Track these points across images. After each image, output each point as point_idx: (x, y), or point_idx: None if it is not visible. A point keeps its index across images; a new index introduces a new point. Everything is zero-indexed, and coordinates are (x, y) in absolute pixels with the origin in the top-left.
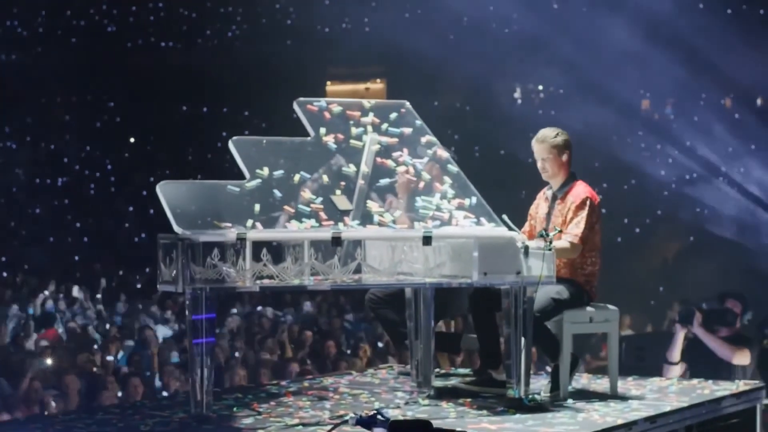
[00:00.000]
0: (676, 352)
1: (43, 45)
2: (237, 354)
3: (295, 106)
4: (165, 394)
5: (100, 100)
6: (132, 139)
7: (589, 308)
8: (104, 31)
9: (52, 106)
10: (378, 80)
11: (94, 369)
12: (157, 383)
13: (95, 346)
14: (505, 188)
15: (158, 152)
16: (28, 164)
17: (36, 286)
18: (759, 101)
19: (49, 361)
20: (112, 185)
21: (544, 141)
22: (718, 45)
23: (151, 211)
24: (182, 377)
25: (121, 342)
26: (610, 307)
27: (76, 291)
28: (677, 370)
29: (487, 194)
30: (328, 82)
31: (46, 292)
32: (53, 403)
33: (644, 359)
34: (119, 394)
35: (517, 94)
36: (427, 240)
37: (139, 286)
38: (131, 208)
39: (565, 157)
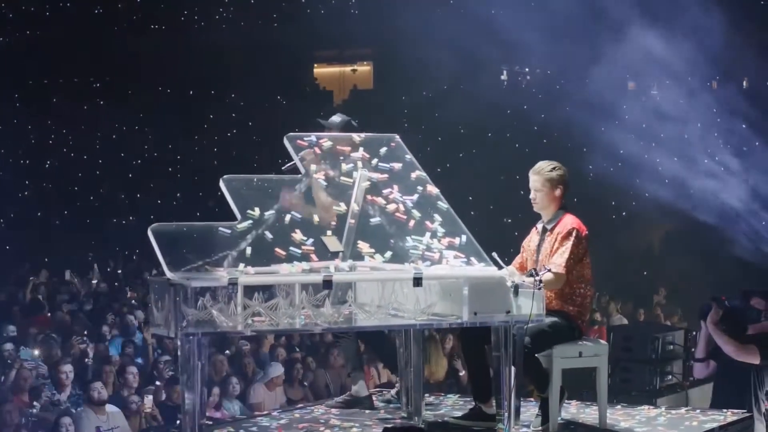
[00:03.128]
0: (700, 349)
1: (30, 27)
2: None
3: (286, 142)
4: (158, 383)
5: (87, 82)
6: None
7: (579, 342)
8: (91, 13)
9: (39, 88)
10: (365, 62)
11: (87, 360)
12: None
13: (86, 335)
14: (491, 171)
15: (146, 135)
16: (15, 147)
17: (24, 272)
18: (745, 83)
19: (36, 352)
20: (99, 168)
21: (540, 173)
22: (704, 26)
23: (138, 194)
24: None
25: (111, 330)
26: (600, 341)
27: (68, 276)
28: (702, 368)
29: (471, 180)
30: (315, 65)
31: (38, 278)
32: (46, 396)
33: (631, 350)
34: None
35: (503, 77)
36: (417, 281)
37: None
38: (122, 194)
39: (558, 192)
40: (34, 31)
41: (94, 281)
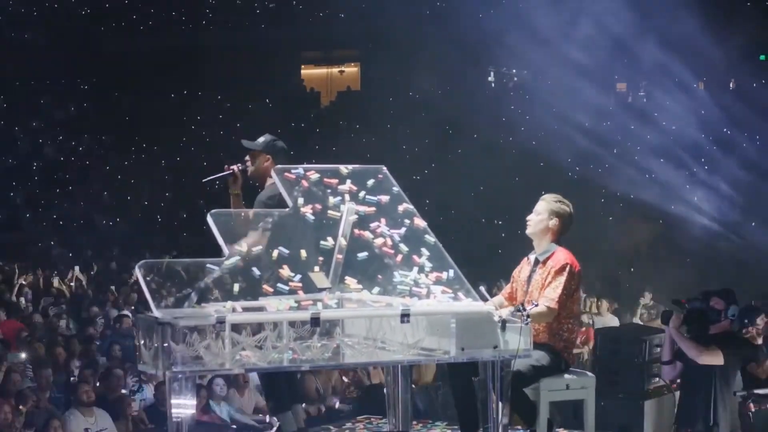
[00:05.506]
0: (665, 352)
1: (16, 29)
2: None
3: (273, 174)
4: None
5: (74, 83)
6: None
7: (566, 375)
8: (79, 14)
9: (26, 89)
10: (352, 64)
11: (74, 363)
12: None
13: (73, 336)
14: (478, 172)
15: (133, 136)
16: (3, 148)
17: (11, 274)
18: (732, 84)
19: (23, 355)
20: (87, 169)
21: (545, 199)
22: (691, 28)
23: (129, 197)
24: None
25: (101, 332)
26: (588, 373)
27: (56, 282)
28: (669, 370)
29: (460, 177)
30: (303, 66)
31: (25, 280)
32: (32, 399)
33: (618, 352)
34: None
35: (490, 78)
36: (405, 317)
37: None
38: (105, 193)
39: (552, 223)
40: (21, 32)
41: (73, 283)
